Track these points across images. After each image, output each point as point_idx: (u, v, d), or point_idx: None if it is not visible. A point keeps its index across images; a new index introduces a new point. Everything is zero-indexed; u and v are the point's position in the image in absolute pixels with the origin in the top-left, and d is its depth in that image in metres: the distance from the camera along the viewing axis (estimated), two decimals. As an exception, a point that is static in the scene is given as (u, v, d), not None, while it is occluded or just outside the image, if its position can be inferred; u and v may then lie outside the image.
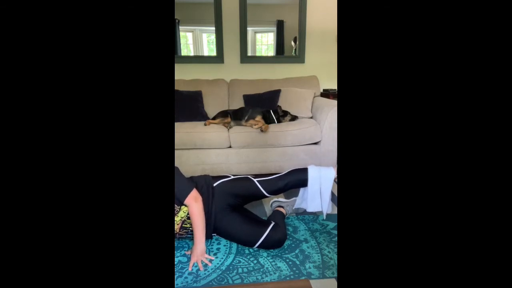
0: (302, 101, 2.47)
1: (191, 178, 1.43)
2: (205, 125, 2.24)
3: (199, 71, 2.85)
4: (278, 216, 1.52)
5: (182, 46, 2.87)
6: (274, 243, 1.34)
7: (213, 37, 2.85)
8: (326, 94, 2.82)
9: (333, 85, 3.05)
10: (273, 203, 1.69)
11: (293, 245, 1.41)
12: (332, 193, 1.59)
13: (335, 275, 1.20)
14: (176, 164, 2.07)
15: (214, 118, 2.36)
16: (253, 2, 2.79)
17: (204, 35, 2.90)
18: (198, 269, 1.24)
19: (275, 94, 2.58)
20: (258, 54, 2.99)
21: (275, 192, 1.48)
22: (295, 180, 1.50)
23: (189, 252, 1.35)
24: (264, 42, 3.00)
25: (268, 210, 1.75)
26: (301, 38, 2.92)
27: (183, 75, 2.79)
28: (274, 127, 2.19)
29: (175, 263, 1.29)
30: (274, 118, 2.34)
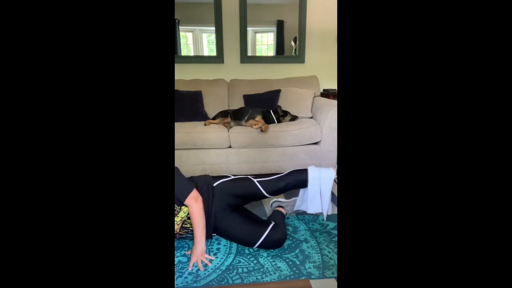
0: (302, 101, 2.47)
1: (191, 178, 1.43)
2: (205, 125, 2.24)
3: (199, 71, 2.85)
4: (278, 216, 1.52)
5: (182, 46, 2.87)
6: (274, 243, 1.34)
7: (213, 37, 2.85)
8: (326, 94, 2.82)
9: (333, 85, 3.05)
10: (273, 203, 1.69)
11: (293, 245, 1.41)
12: (332, 193, 1.59)
13: (335, 275, 1.20)
14: (176, 164, 2.07)
15: (214, 118, 2.36)
16: (253, 2, 2.79)
17: (204, 35, 2.90)
18: (198, 269, 1.24)
19: (275, 94, 2.58)
20: (258, 54, 2.99)
21: (275, 193, 1.48)
22: (295, 181, 1.50)
23: (189, 252, 1.35)
24: (264, 42, 3.00)
25: (268, 210, 1.75)
26: (301, 38, 2.92)
27: (183, 75, 2.79)
28: (274, 127, 2.19)
29: (175, 263, 1.29)
30: (274, 118, 2.34)
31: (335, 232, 1.53)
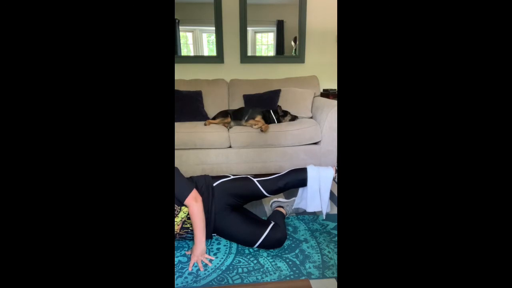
0: (302, 101, 2.47)
1: (191, 178, 1.43)
2: (205, 125, 2.24)
3: (199, 71, 2.85)
4: (278, 216, 1.52)
5: (182, 46, 2.87)
6: (274, 243, 1.34)
7: (213, 37, 2.85)
8: (326, 94, 2.82)
9: (333, 85, 3.05)
10: (273, 203, 1.69)
11: (293, 245, 1.41)
12: (332, 193, 1.59)
13: (335, 275, 1.20)
14: (176, 164, 2.07)
15: (214, 118, 2.36)
16: (253, 2, 2.79)
17: (204, 35, 2.90)
18: (198, 269, 1.24)
19: (275, 94, 2.58)
20: (258, 54, 2.99)
21: (275, 192, 1.48)
22: (295, 180, 1.50)
23: (189, 252, 1.35)
24: (264, 42, 3.00)
25: (268, 210, 1.75)
26: (301, 38, 2.92)
27: (183, 75, 2.79)
28: (274, 127, 2.19)
29: (175, 263, 1.29)
30: (274, 118, 2.34)
31: (335, 232, 1.53)
